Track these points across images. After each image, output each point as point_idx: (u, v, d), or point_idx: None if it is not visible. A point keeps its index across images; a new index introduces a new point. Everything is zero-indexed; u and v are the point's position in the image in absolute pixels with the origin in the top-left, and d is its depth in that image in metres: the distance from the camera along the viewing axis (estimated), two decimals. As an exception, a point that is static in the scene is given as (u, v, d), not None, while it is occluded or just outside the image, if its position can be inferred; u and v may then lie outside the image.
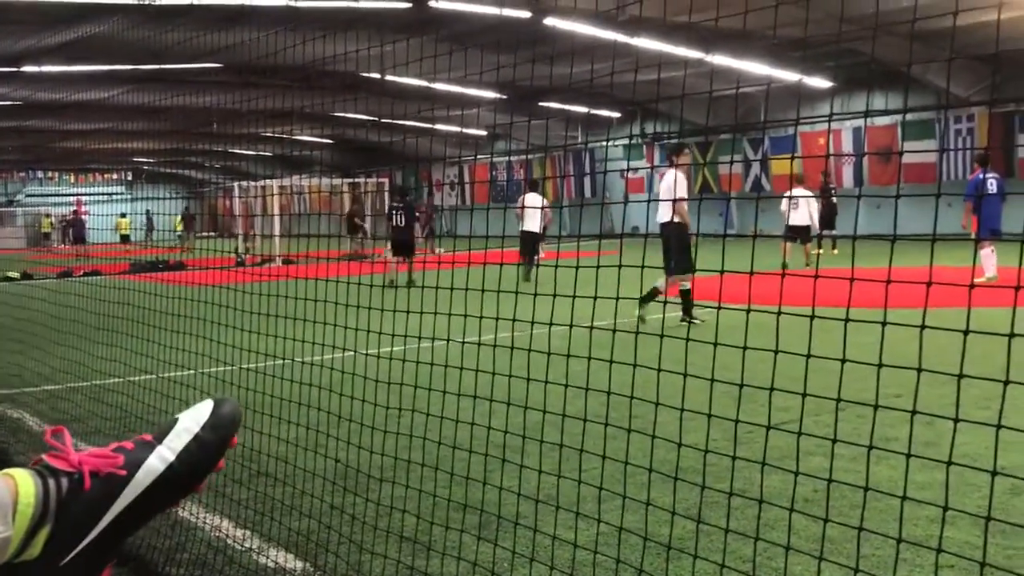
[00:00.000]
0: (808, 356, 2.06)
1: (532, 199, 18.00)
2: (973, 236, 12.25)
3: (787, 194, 17.46)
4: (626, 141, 32.81)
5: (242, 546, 3.80)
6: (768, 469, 3.89)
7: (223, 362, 4.87)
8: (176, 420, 1.16)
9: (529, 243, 16.90)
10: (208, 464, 1.14)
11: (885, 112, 24.90)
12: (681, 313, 9.30)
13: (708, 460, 4.13)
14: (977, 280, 11.83)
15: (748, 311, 2.30)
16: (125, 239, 35.64)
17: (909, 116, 24.93)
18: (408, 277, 14.59)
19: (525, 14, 17.65)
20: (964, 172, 23.70)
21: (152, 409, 5.49)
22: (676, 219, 9.79)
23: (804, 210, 17.53)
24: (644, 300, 8.80)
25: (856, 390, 2.19)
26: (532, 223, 17.42)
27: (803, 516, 3.49)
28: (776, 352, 2.14)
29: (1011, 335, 1.77)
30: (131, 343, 5.67)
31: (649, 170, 32.01)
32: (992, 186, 13.11)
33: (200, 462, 1.13)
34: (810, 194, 18.41)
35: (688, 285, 9.58)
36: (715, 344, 2.28)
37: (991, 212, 12.78)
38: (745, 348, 2.20)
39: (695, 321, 9.19)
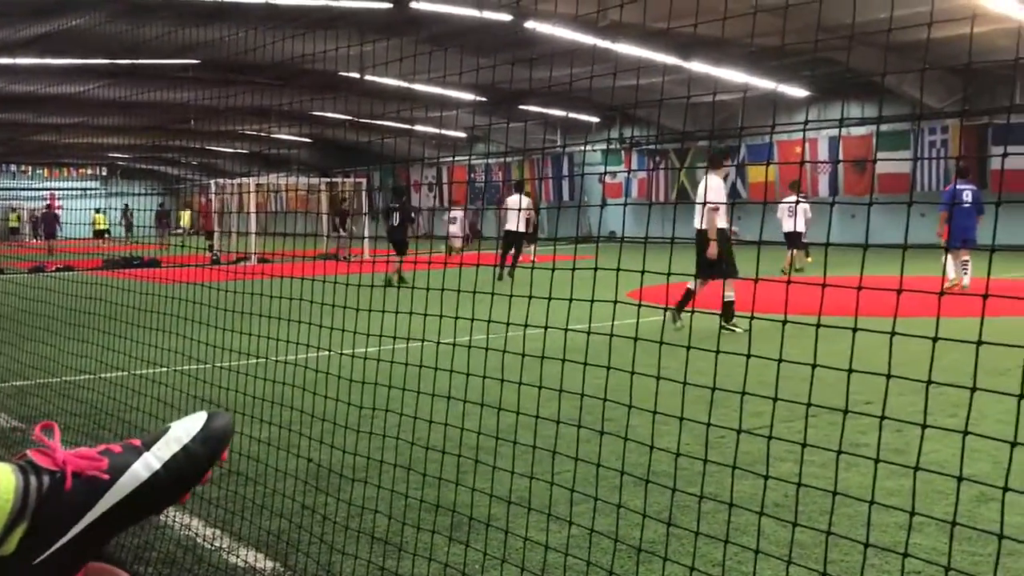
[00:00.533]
0: (779, 361, 2.08)
1: (514, 200, 18.21)
2: (943, 245, 12.58)
3: (786, 200, 17.77)
4: (605, 146, 32.90)
5: (212, 545, 3.77)
6: (740, 474, 3.93)
7: (197, 360, 4.84)
8: (167, 429, 1.15)
9: (509, 244, 16.99)
10: (194, 476, 1.13)
11: (861, 122, 25.14)
12: (722, 320, 8.84)
13: (680, 464, 4.15)
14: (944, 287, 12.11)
15: (720, 316, 2.31)
16: (100, 235, 35.32)
17: (884, 127, 25.17)
18: (398, 275, 14.70)
19: (506, 17, 17.68)
20: (938, 183, 23.99)
21: (124, 406, 5.44)
22: (699, 225, 9.75)
23: (801, 217, 17.83)
24: (681, 304, 9.18)
25: (828, 397, 2.21)
26: (513, 224, 17.57)
27: (773, 520, 3.52)
28: (748, 356, 2.16)
29: (979, 343, 1.80)
30: (104, 339, 5.62)
31: (627, 175, 32.14)
32: (967, 197, 13.39)
33: (186, 473, 1.12)
34: (805, 202, 18.71)
35: (732, 295, 9.29)
36: (688, 348, 2.30)
37: (964, 223, 13.06)
38: (717, 352, 2.21)
39: (735, 330, 8.88)
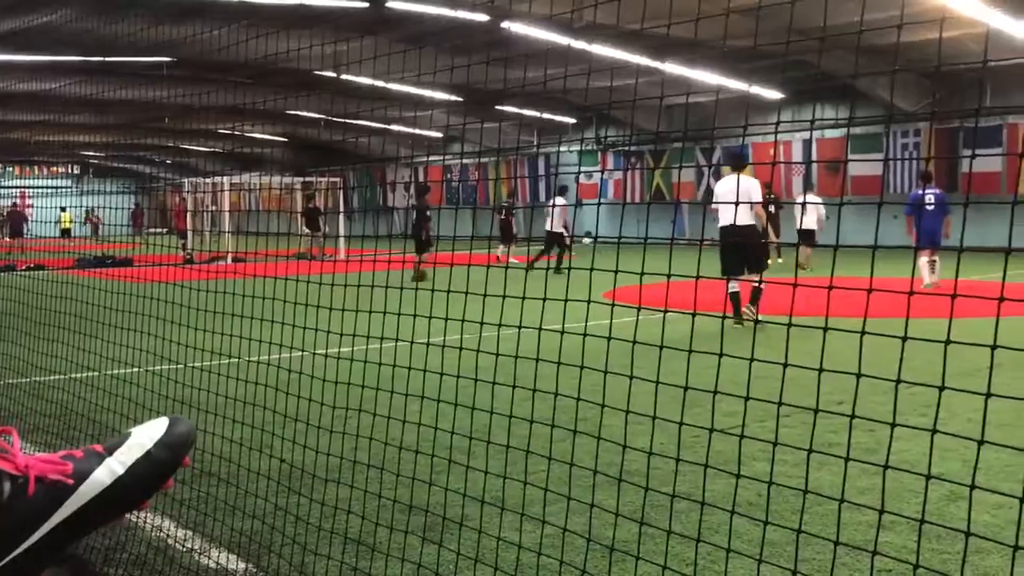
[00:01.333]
0: (751, 360, 2.09)
1: (559, 200, 19.28)
2: (912, 246, 13.14)
3: (800, 200, 18.14)
4: (581, 146, 32.97)
5: (184, 546, 3.74)
6: (714, 473, 3.94)
7: (169, 360, 4.80)
8: (129, 434, 1.14)
9: (551, 243, 18.10)
10: (156, 482, 1.12)
11: (835, 125, 25.35)
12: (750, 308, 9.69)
13: (655, 464, 4.16)
14: (921, 285, 12.44)
15: (693, 316, 2.32)
16: (66, 233, 35.00)
17: (858, 130, 25.39)
18: (416, 273, 15.08)
19: (483, 17, 17.68)
20: (910, 186, 24.23)
21: (95, 407, 5.39)
22: (752, 222, 10.59)
23: (812, 215, 18.26)
24: (754, 300, 9.76)
25: (801, 396, 2.22)
26: (557, 224, 18.72)
27: (746, 520, 3.54)
28: (720, 356, 2.17)
29: (947, 342, 1.82)
30: (75, 339, 5.56)
31: (602, 176, 32.23)
32: (932, 200, 14.00)
33: (148, 479, 1.11)
34: (819, 200, 19.07)
35: (736, 287, 9.99)
36: (660, 347, 2.31)
37: (930, 226, 13.54)
38: (690, 352, 2.22)
39: (757, 317, 9.18)
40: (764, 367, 2.12)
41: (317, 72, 22.73)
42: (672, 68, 21.97)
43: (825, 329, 1.95)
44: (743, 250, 10.42)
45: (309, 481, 4.00)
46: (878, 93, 23.49)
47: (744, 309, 9.84)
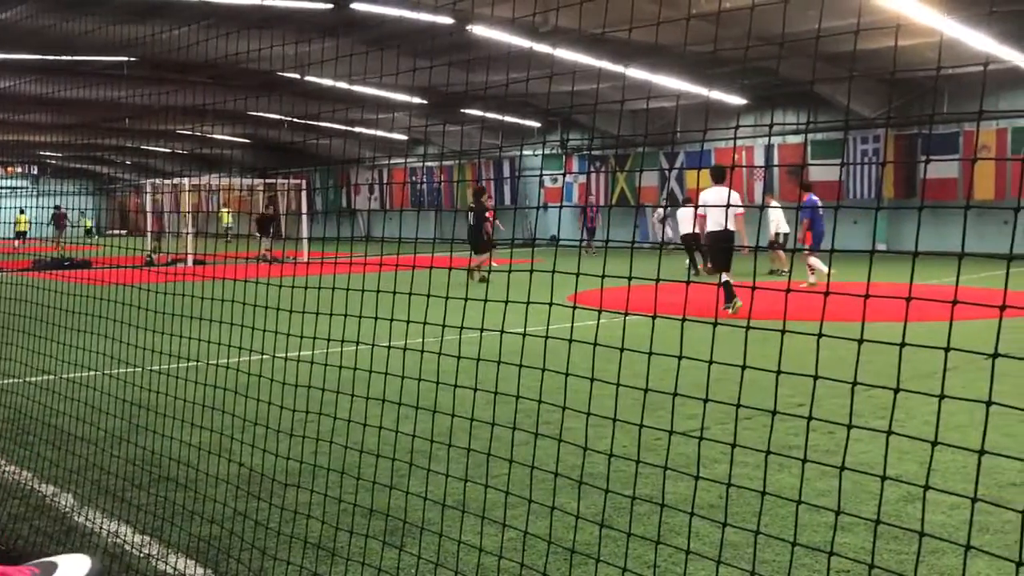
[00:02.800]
0: (710, 363, 2.10)
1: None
2: (807, 248, 15.24)
3: (773, 204, 18.65)
4: (546, 150, 33.06)
5: (141, 552, 3.68)
6: (677, 476, 3.96)
7: (128, 363, 4.73)
8: (56, 566, 1.17)
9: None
10: None
11: (795, 131, 25.64)
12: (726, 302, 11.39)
13: (617, 466, 4.18)
14: (802, 284, 13.32)
15: (654, 319, 2.33)
16: (20, 236, 34.58)
17: (819, 135, 25.72)
18: (480, 273, 16.03)
19: (447, 20, 17.65)
20: (870, 191, 24.54)
21: (51, 411, 5.29)
22: (730, 227, 12.00)
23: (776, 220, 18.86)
24: (728, 297, 11.31)
25: (762, 399, 2.24)
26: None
27: (708, 522, 3.56)
28: (680, 358, 2.18)
29: (901, 344, 1.84)
30: (31, 342, 5.46)
31: (568, 179, 32.32)
32: (820, 204, 15.77)
33: None
34: (777, 205, 19.47)
35: (727, 278, 11.61)
36: (621, 350, 2.31)
37: (822, 228, 15.67)
38: (650, 354, 2.23)
39: (739, 303, 11.27)
40: (729, 369, 2.13)
41: (280, 73, 22.58)
42: (635, 73, 22.09)
43: (783, 332, 1.97)
44: (726, 250, 11.84)
45: (269, 485, 3.96)
46: (838, 99, 23.79)
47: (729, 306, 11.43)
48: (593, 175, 31.48)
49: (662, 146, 29.25)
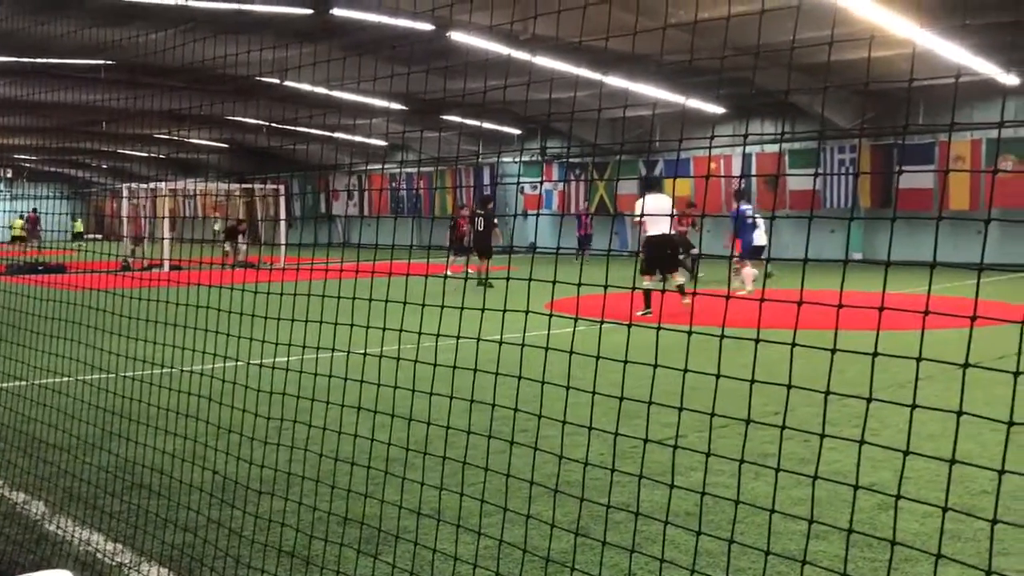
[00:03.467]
0: (685, 372, 2.11)
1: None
2: (737, 255, 15.74)
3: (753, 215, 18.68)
4: (526, 157, 33.11)
5: (113, 561, 3.64)
6: (653, 484, 3.97)
7: (102, 369, 4.69)
8: None
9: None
10: None
11: (772, 140, 25.81)
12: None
13: (594, 474, 4.18)
14: (738, 294, 13.53)
15: (629, 327, 2.34)
16: (17, 240, 34.55)
17: (796, 145, 25.90)
18: (485, 277, 15.46)
19: (427, 27, 17.64)
20: (846, 201, 24.73)
21: (23, 418, 5.24)
22: (672, 232, 12.82)
23: (761, 231, 18.74)
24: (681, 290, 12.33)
25: (738, 407, 2.24)
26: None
27: (683, 530, 3.56)
28: (655, 367, 2.18)
29: (874, 354, 1.85)
30: (2, 348, 5.40)
31: (547, 187, 32.38)
32: (750, 214, 16.06)
33: None
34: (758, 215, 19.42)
35: (648, 284, 12.33)
36: (597, 358, 2.31)
37: (750, 237, 15.85)
38: (625, 363, 2.23)
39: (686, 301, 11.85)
40: (706, 377, 2.14)
41: (258, 78, 22.49)
42: (613, 81, 22.18)
43: (756, 341, 1.98)
44: (663, 253, 12.64)
45: (243, 493, 3.93)
46: (815, 110, 23.97)
47: (684, 301, 12.03)
48: (573, 183, 31.56)
49: (641, 154, 29.36)
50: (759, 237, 18.79)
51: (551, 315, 2.57)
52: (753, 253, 17.79)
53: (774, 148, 26.42)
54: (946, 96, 22.30)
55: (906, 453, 1.65)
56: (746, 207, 16.13)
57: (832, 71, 21.74)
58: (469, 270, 17.15)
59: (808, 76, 22.24)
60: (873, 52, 18.97)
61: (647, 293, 12.35)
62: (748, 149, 26.88)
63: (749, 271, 15.56)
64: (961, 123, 22.36)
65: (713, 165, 27.20)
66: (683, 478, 4.48)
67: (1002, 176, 21.79)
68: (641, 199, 12.83)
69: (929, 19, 16.14)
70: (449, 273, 16.89)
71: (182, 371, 3.97)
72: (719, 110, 25.96)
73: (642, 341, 2.52)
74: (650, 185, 13.24)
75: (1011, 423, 1.62)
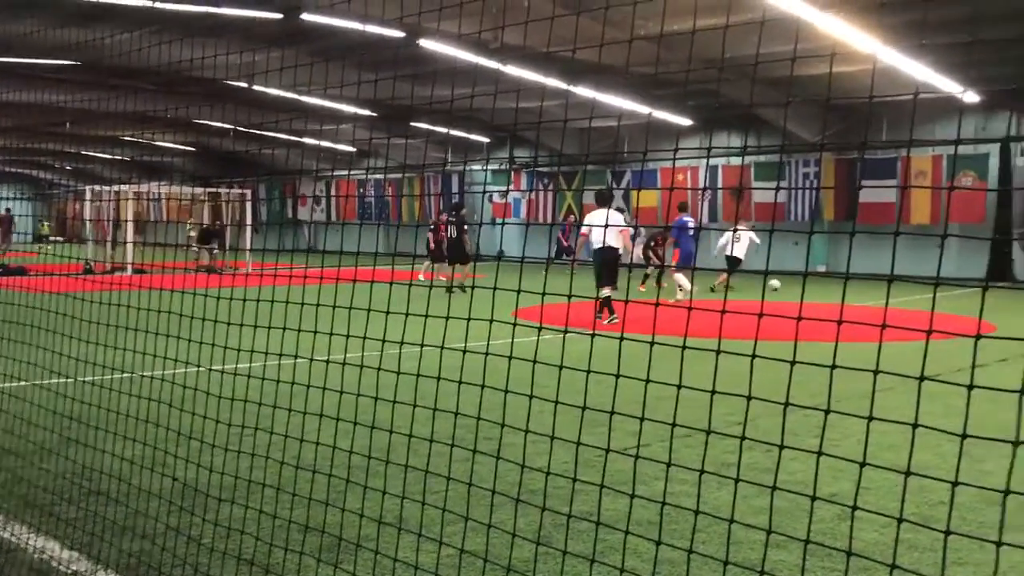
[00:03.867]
0: (647, 382, 2.12)
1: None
2: (674, 265, 16.18)
3: (735, 227, 18.94)
4: (494, 165, 33.16)
5: (69, 569, 3.59)
6: (615, 493, 3.97)
7: (60, 374, 4.62)
8: None
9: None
10: None
11: (737, 153, 26.07)
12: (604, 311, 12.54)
13: (557, 483, 4.18)
14: (670, 300, 13.75)
15: (592, 336, 2.34)
16: None
17: (761, 158, 26.16)
18: (461, 284, 16.26)
19: (398, 33, 17.61)
20: (809, 213, 25.00)
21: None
22: (617, 246, 12.90)
23: (744, 243, 19.19)
24: (605, 305, 12.41)
25: (700, 417, 2.26)
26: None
27: (645, 539, 3.57)
28: (617, 376, 2.19)
29: (833, 366, 1.87)
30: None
31: (515, 195, 32.42)
32: (691, 225, 16.38)
33: None
34: (744, 227, 19.55)
35: (608, 293, 12.64)
36: (560, 367, 2.32)
37: (690, 247, 16.12)
38: (588, 372, 2.24)
39: (615, 319, 12.39)
40: (670, 388, 2.15)
41: (227, 82, 22.33)
42: (582, 91, 22.30)
43: (718, 352, 1.99)
44: (609, 266, 12.84)
45: (203, 500, 3.88)
46: (780, 123, 24.26)
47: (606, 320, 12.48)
48: (541, 192, 31.64)
49: (608, 164, 29.51)
50: (737, 249, 18.97)
51: (515, 323, 2.57)
52: (731, 264, 18.03)
53: (739, 160, 26.65)
54: (908, 111, 22.66)
55: (863, 464, 1.67)
56: (687, 218, 16.61)
57: (797, 85, 22.03)
58: (441, 278, 17.15)
59: (774, 89, 22.51)
60: (837, 67, 19.26)
61: (608, 301, 12.63)
62: (714, 161, 27.12)
63: (679, 276, 16.08)
64: (919, 140, 22.77)
65: (680, 177, 27.42)
66: (646, 487, 4.50)
67: (961, 192, 22.20)
68: (595, 212, 13.26)
69: (892, 37, 16.41)
70: (421, 279, 16.83)
71: (142, 376, 3.92)
72: (686, 122, 26.18)
73: (607, 350, 2.53)
74: (603, 199, 13.60)
75: (964, 435, 1.65)
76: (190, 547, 3.53)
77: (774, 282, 18.90)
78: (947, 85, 19.57)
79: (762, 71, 21.06)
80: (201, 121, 29.61)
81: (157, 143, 35.37)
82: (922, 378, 1.73)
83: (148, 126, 29.86)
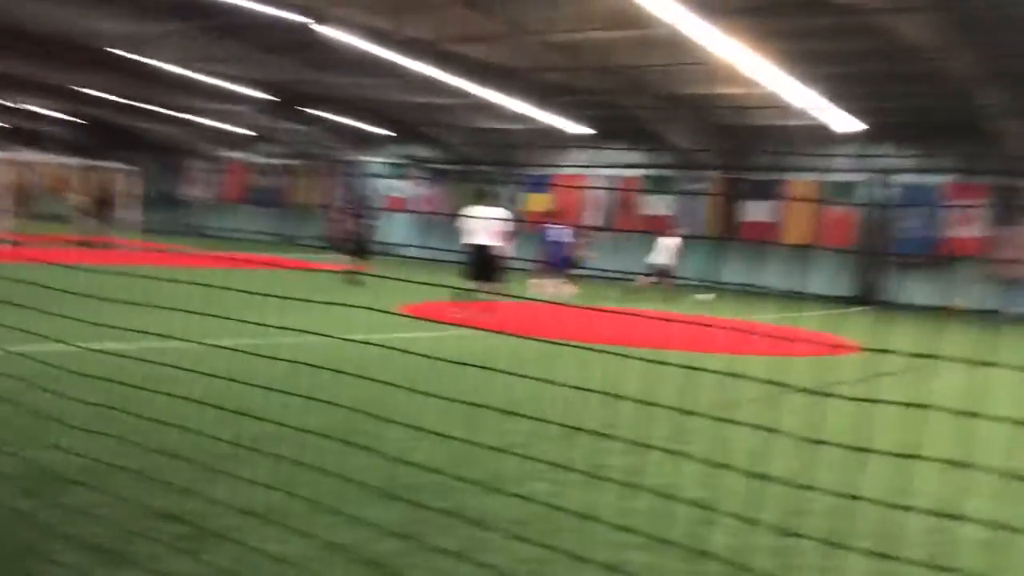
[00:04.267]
0: (540, 382, 2.12)
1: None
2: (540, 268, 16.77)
3: (662, 236, 19.41)
4: (393, 159, 32.87)
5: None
6: (488, 490, 3.98)
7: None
8: None
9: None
10: None
11: (628, 165, 26.61)
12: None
13: (433, 479, 4.16)
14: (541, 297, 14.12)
15: (476, 334, 2.34)
16: None
17: (653, 171, 26.70)
18: (357, 275, 15.94)
19: (298, 17, 17.23)
20: (697, 228, 25.66)
21: None
22: (494, 244, 13.00)
23: (664, 252, 19.80)
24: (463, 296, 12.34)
25: (581, 419, 2.28)
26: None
27: (513, 538, 3.59)
28: (480, 369, 2.19)
29: (732, 375, 1.92)
30: None
31: (412, 190, 32.25)
32: (557, 236, 17.34)
33: None
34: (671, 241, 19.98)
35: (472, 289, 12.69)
36: (433, 359, 2.31)
37: (553, 253, 17.13)
38: (462, 364, 2.24)
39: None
40: (553, 388, 2.16)
41: (113, 51, 21.46)
42: (486, 93, 22.36)
43: (630, 356, 2.01)
44: (485, 263, 12.97)
45: (54, 484, 3.71)
46: (673, 138, 24.83)
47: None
48: (437, 189, 31.54)
49: (505, 166, 29.67)
50: (661, 257, 19.53)
51: (389, 312, 2.55)
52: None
53: (631, 171, 27.16)
54: (792, 136, 23.62)
55: (721, 466, 1.72)
56: (554, 227, 17.47)
57: (689, 103, 22.64)
58: (346, 269, 16.86)
59: (672, 105, 23.07)
60: (730, 89, 19.87)
61: (465, 294, 12.73)
62: (609, 172, 27.57)
63: (546, 281, 16.69)
64: (796, 167, 23.82)
65: (574, 184, 27.77)
66: (519, 486, 4.53)
67: (834, 216, 23.22)
68: (475, 207, 13.42)
69: (786, 63, 17.01)
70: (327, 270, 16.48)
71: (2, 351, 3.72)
72: (585, 130, 26.55)
73: (497, 350, 2.53)
74: (483, 195, 13.85)
75: (820, 442, 1.71)
76: (33, 531, 3.37)
77: (705, 295, 19.46)
78: (829, 113, 20.47)
79: (657, 87, 21.54)
80: (83, 90, 28.37)
81: (32, 109, 33.76)
82: (772, 383, 1.78)
83: (22, 91, 28.41)
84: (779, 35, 15.45)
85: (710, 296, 19.27)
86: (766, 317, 17.04)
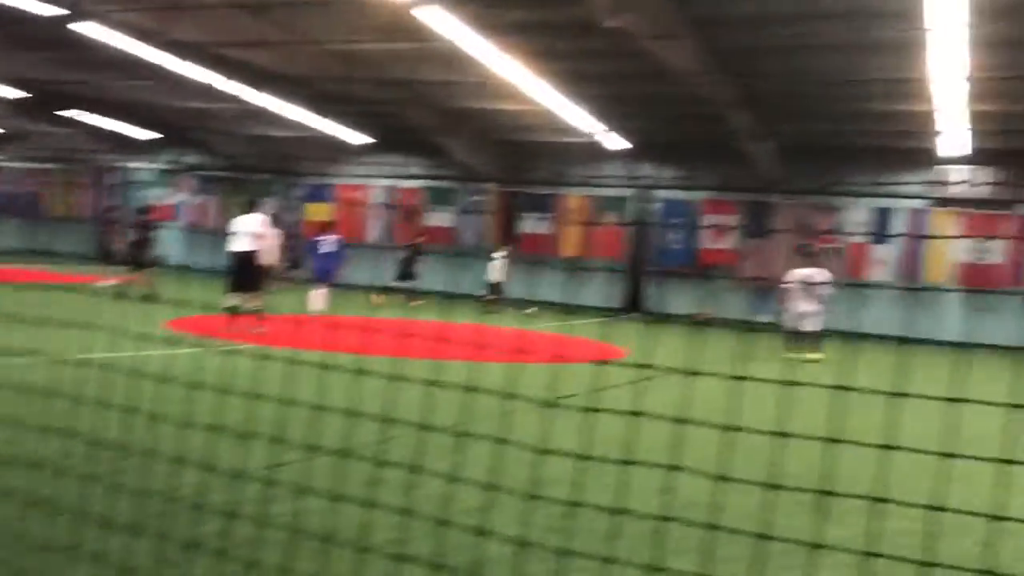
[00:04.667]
0: (303, 402, 2.10)
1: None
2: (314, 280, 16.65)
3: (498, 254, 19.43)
4: (160, 165, 31.24)
5: None
6: (246, 518, 3.88)
7: None
8: None
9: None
10: None
11: (410, 177, 26.74)
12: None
13: (184, 507, 4.00)
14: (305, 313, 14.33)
15: (230, 351, 2.29)
16: None
17: (434, 183, 26.93)
18: (139, 290, 15.07)
19: (55, 10, 16.00)
20: (478, 237, 26.10)
21: None
22: (254, 249, 12.94)
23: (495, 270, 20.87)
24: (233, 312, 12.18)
25: (336, 437, 2.27)
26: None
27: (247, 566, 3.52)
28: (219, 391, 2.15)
29: (469, 387, 1.97)
30: None
31: (180, 199, 30.77)
32: (327, 247, 17.45)
33: None
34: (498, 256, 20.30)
35: (234, 303, 12.57)
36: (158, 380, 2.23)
37: (323, 265, 17.11)
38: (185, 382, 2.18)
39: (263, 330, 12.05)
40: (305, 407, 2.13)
41: None
42: (262, 99, 21.77)
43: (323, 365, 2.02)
44: (245, 272, 12.93)
45: None
46: (453, 151, 25.16)
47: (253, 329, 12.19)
48: (210, 198, 30.27)
49: (283, 175, 28.94)
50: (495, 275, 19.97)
51: (145, 332, 2.45)
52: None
53: (411, 183, 27.27)
54: (565, 152, 24.66)
55: (455, 479, 1.77)
56: (323, 238, 17.63)
57: (470, 117, 23.05)
58: (116, 282, 15.68)
59: (455, 119, 23.41)
60: (508, 105, 20.43)
61: (234, 310, 12.47)
62: (389, 182, 27.53)
63: (317, 293, 16.86)
64: (570, 182, 24.88)
65: (357, 194, 27.54)
66: (279, 506, 4.44)
67: (605, 231, 24.40)
68: (241, 217, 13.49)
69: (559, 82, 17.73)
70: (100, 284, 15.33)
71: None
72: (366, 140, 26.41)
73: (248, 366, 2.48)
74: (250, 205, 14.05)
75: (588, 457, 1.80)
76: None
77: (531, 309, 20.61)
78: (595, 131, 21.56)
79: (439, 100, 21.78)
80: None
81: None
82: (511, 394, 1.87)
83: None
84: (552, 55, 16.07)
85: (534, 309, 20.88)
86: (547, 326, 17.63)
